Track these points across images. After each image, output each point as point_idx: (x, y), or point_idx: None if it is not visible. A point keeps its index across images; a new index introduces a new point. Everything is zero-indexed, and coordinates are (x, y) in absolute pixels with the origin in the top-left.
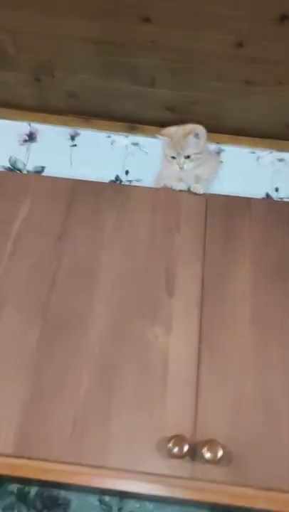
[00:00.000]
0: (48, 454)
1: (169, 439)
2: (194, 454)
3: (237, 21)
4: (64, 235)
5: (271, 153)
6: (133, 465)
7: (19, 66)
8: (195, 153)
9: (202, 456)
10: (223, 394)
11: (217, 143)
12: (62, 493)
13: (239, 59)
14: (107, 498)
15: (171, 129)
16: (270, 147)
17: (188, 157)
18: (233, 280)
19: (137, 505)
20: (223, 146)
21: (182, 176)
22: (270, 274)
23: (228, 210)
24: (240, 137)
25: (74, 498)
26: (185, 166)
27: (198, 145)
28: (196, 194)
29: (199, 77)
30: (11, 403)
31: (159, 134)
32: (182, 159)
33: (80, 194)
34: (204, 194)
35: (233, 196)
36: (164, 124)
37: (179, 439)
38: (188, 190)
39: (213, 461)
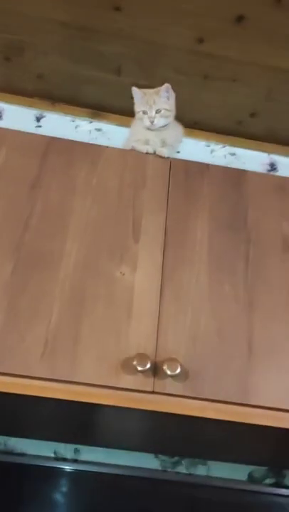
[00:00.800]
0: (21, 370)
1: (133, 357)
2: (156, 370)
3: (199, 18)
4: (37, 184)
5: (224, 147)
6: (101, 380)
7: None
8: (165, 109)
9: (163, 372)
10: (182, 321)
11: None
12: (19, 444)
13: (199, 54)
14: (62, 450)
15: (144, 89)
16: (223, 142)
17: (158, 112)
18: (193, 229)
19: (90, 456)
20: None
21: (149, 139)
22: (225, 226)
23: (190, 172)
24: (196, 130)
25: (29, 449)
26: (155, 121)
27: (168, 101)
28: (161, 157)
29: (162, 68)
30: None
31: (135, 87)
32: (153, 113)
33: (53, 149)
34: (168, 158)
35: (194, 161)
36: (126, 112)
37: (142, 357)
38: (154, 153)
39: (172, 376)
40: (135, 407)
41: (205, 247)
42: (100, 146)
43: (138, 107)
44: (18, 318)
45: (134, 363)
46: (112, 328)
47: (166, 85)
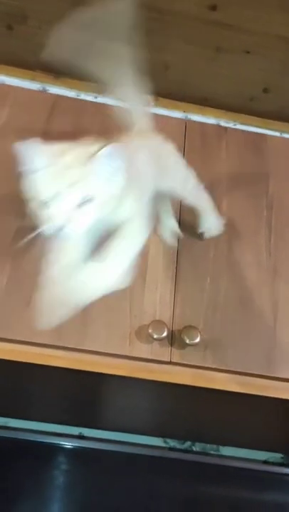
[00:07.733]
0: (26, 337)
1: (148, 325)
2: (173, 339)
3: None
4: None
5: (235, 125)
6: (112, 348)
7: None
8: None
9: (181, 341)
10: (200, 288)
11: (184, 111)
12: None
13: (212, 23)
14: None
15: None
16: (234, 120)
17: None
18: (211, 193)
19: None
20: (190, 115)
21: None
22: (245, 192)
23: (206, 135)
24: (206, 108)
25: None
26: None
27: None
28: None
29: (172, 39)
30: None
31: None
32: None
33: (61, 107)
34: None
35: (211, 124)
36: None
37: (158, 324)
38: None
39: (191, 346)
40: (150, 378)
41: (224, 212)
42: (109, 105)
43: None
44: (22, 280)
45: (150, 330)
46: (125, 292)
47: None
